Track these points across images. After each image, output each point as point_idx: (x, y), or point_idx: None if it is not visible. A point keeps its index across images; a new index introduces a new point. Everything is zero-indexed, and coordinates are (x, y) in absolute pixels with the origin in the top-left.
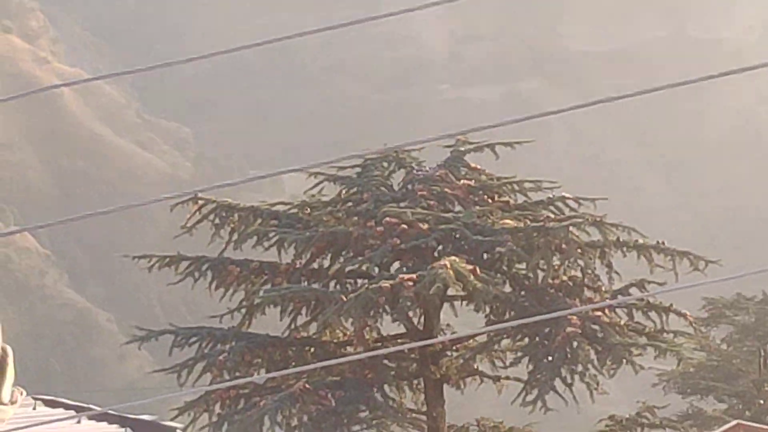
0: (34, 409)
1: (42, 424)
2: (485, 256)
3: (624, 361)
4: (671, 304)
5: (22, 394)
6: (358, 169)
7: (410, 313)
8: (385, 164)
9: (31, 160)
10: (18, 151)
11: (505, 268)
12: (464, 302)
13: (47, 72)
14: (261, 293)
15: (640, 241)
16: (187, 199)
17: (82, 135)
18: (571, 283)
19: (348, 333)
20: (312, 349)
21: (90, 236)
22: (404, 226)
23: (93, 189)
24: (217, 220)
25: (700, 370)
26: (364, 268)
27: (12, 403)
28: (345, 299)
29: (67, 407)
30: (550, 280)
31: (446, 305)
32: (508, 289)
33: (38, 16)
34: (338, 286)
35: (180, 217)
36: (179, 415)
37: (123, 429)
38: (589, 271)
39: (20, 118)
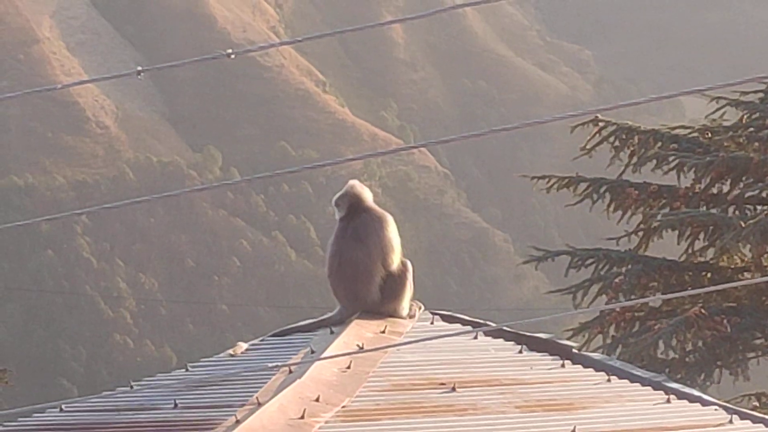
0: (432, 323)
1: (440, 337)
2: None
3: None
4: None
5: (420, 308)
6: (761, 95)
7: None
8: None
9: (433, 79)
10: (420, 69)
11: None
12: None
13: None
14: (659, 217)
15: None
16: (588, 120)
17: (484, 56)
18: None
19: (746, 259)
20: (708, 275)
21: (489, 157)
22: None
23: (493, 110)
24: (616, 143)
25: None
26: (764, 194)
27: (410, 317)
28: (743, 225)
29: (464, 323)
30: None
31: None
32: None
33: None
34: (737, 212)
35: (579, 139)
36: (573, 336)
37: (519, 346)
38: None
39: (424, 37)
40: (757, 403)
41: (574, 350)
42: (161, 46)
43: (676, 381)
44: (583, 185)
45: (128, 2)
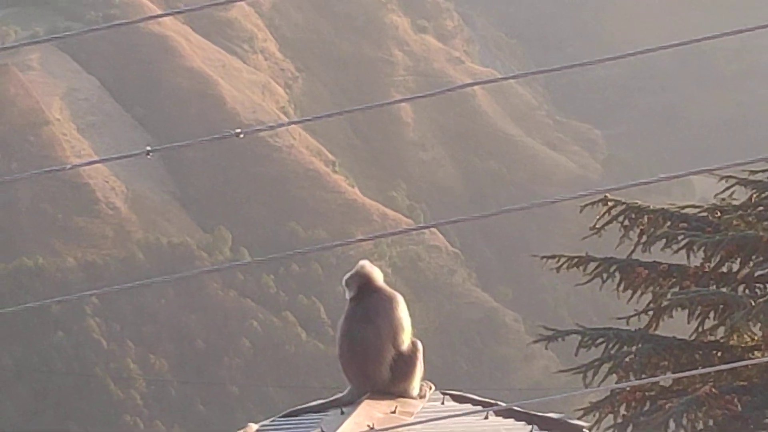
0: (443, 403)
1: (450, 417)
2: None
3: None
4: None
5: (431, 388)
6: None
7: None
8: None
9: (442, 158)
10: (430, 149)
11: None
12: None
13: (460, 72)
14: (669, 296)
15: None
16: (597, 200)
17: (493, 135)
18: None
19: (756, 337)
20: (719, 353)
21: (499, 236)
22: None
23: (503, 189)
24: (626, 222)
25: None
26: None
27: (421, 397)
28: (754, 304)
29: (474, 403)
30: None
31: None
32: None
33: (453, 16)
34: (747, 291)
35: (588, 219)
36: (584, 415)
37: (530, 426)
38: None
39: (433, 117)
40: None
41: (585, 430)
42: (171, 127)
43: None
44: (593, 264)
45: (139, 84)
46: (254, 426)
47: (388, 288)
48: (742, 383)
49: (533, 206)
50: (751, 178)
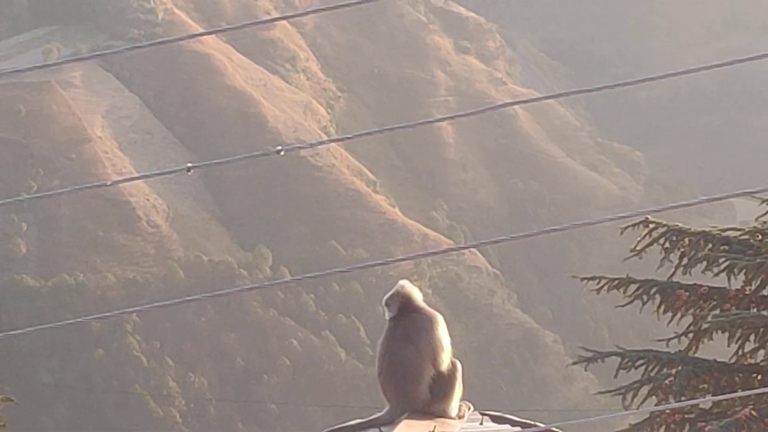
0: (481, 424)
1: None
2: None
3: None
4: None
5: (469, 409)
6: None
7: None
8: None
9: (483, 178)
10: (471, 169)
11: None
12: None
13: (502, 93)
14: (709, 318)
15: None
16: (638, 222)
17: (534, 156)
18: None
19: None
20: (759, 376)
21: (539, 257)
22: None
23: (543, 210)
24: (667, 244)
25: None
26: None
27: (459, 417)
28: None
29: (513, 424)
30: None
31: None
32: None
33: (496, 38)
34: None
35: (629, 240)
36: None
37: None
38: None
39: (474, 137)
40: None
41: None
42: (213, 146)
43: None
44: (633, 286)
45: (180, 102)
46: None
47: (428, 308)
48: None
49: (574, 227)
50: None
